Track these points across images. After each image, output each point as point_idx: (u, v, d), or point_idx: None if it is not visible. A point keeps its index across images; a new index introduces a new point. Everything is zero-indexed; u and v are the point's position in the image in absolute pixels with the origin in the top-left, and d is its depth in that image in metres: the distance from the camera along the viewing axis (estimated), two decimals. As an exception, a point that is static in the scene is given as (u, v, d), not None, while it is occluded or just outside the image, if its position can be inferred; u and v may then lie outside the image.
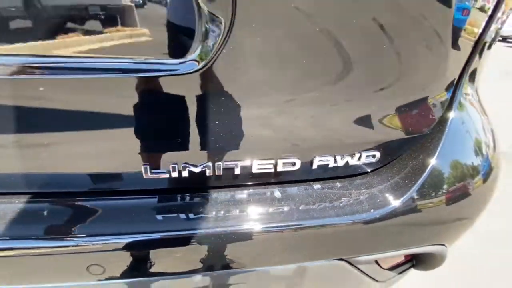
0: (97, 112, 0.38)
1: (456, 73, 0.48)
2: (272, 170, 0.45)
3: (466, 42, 0.46)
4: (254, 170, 0.44)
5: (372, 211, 0.47)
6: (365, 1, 0.38)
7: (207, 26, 0.35)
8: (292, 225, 0.45)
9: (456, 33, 0.43)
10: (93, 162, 0.41)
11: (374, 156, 0.50)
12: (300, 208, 0.46)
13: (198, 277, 0.43)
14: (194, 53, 0.36)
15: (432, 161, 0.50)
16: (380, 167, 0.52)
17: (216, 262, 0.44)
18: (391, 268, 0.64)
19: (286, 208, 0.46)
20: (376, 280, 0.61)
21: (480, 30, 0.47)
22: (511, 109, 3.10)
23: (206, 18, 0.35)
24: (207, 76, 0.37)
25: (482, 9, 0.44)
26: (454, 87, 0.49)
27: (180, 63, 0.36)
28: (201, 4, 0.34)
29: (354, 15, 0.39)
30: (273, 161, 0.44)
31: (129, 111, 0.38)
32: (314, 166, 0.47)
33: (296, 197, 0.47)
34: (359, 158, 0.49)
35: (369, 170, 0.51)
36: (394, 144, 0.50)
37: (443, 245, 0.56)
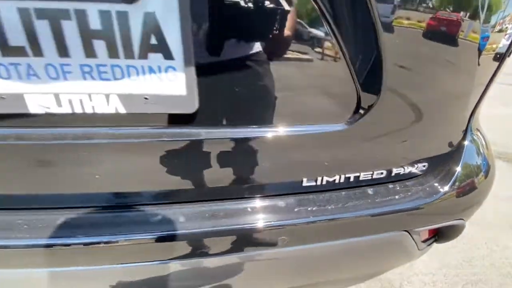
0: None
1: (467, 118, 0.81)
2: (370, 177, 0.75)
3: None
4: (361, 178, 0.74)
5: (425, 199, 0.78)
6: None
7: (359, 99, 0.64)
8: (382, 211, 0.75)
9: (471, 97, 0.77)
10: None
11: (424, 165, 0.80)
12: (384, 199, 0.76)
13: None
14: (350, 118, 0.66)
15: (458, 168, 0.82)
16: (426, 172, 0.83)
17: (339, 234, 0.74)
18: (424, 241, 0.95)
19: (375, 200, 0.76)
20: (419, 249, 0.92)
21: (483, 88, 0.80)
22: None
23: (359, 93, 0.63)
24: (353, 131, 0.67)
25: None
26: (466, 127, 0.82)
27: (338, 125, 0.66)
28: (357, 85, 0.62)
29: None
30: (373, 172, 0.75)
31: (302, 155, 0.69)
32: (392, 174, 0.77)
33: (381, 193, 0.77)
34: (417, 168, 0.79)
35: (420, 173, 0.82)
36: (435, 158, 0.82)
37: (463, 219, 0.88)
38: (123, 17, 0.44)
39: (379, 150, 0.73)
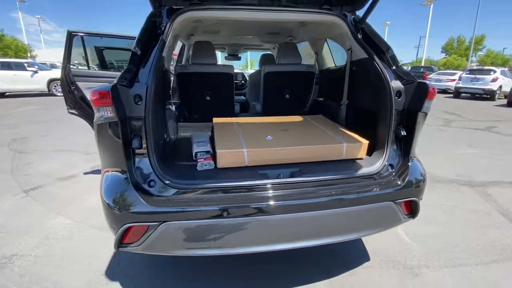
0: None
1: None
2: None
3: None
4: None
5: (397, 186, 1.37)
6: None
7: None
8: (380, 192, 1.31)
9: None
10: None
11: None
12: (379, 186, 1.35)
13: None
14: None
15: (407, 175, 1.43)
16: (397, 174, 1.40)
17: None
18: (405, 214, 1.45)
19: (377, 185, 1.32)
20: (403, 217, 1.41)
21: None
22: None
23: None
24: None
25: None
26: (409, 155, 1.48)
27: None
28: None
29: None
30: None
31: None
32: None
33: (379, 183, 1.37)
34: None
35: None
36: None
37: (417, 198, 1.44)
38: None
39: None
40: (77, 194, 2.95)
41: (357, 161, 1.54)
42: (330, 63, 2.64)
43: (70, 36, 2.51)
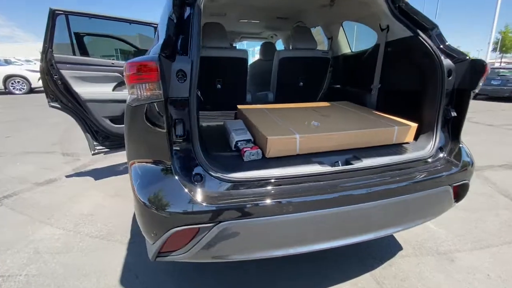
0: None
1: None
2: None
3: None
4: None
5: (453, 169, 1.33)
6: None
7: None
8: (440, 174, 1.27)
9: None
10: None
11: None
12: (438, 170, 1.31)
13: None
14: None
15: (462, 156, 1.41)
16: (449, 157, 1.35)
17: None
18: (454, 198, 1.40)
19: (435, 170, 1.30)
20: (453, 202, 1.35)
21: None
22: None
23: None
24: None
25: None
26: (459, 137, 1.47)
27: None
28: None
29: None
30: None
31: None
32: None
33: (438, 167, 1.34)
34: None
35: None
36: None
37: (467, 180, 1.40)
38: None
39: None
40: (63, 200, 2.58)
41: (405, 145, 1.46)
42: (346, 49, 2.55)
43: (53, 15, 2.12)
